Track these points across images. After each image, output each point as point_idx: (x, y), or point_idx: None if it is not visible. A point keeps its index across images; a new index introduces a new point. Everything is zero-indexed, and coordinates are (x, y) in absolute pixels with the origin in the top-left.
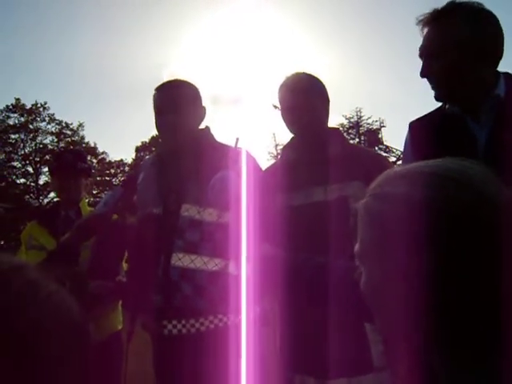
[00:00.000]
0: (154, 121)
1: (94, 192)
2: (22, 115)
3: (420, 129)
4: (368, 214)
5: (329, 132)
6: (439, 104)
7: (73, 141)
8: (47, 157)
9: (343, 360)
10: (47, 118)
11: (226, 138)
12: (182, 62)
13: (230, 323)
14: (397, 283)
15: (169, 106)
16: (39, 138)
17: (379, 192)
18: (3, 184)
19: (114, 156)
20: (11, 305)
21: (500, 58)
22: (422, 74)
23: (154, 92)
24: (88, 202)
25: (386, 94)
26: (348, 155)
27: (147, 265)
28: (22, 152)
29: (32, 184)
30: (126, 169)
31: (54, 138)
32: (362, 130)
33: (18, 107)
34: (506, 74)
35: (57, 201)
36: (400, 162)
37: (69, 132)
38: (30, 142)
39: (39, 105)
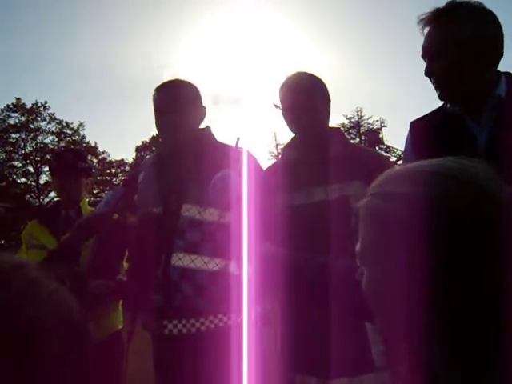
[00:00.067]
0: (154, 120)
1: (95, 191)
2: (22, 115)
3: (421, 128)
4: (369, 214)
5: (330, 132)
6: (440, 104)
7: (73, 140)
8: (48, 156)
9: (344, 360)
10: (48, 118)
11: (226, 138)
12: (182, 61)
13: (230, 323)
14: (398, 282)
15: (169, 105)
16: (40, 138)
17: (380, 191)
18: (4, 183)
19: (114, 155)
20: (12, 303)
21: (500, 57)
22: (426, 74)
23: (154, 92)
24: (88, 201)
25: (386, 93)
26: (349, 155)
27: (148, 264)
28: (23, 151)
29: (33, 183)
30: (127, 168)
31: (54, 137)
32: (362, 129)
33: (18, 107)
34: (507, 73)
35: (57, 200)
36: (401, 162)
37: (69, 131)
38: (30, 141)
39: (40, 104)
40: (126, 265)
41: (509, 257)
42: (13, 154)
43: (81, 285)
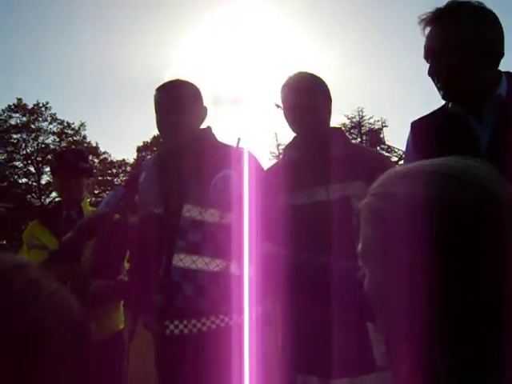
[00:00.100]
0: (155, 120)
1: (96, 192)
2: (23, 115)
3: (422, 128)
4: (370, 214)
5: (331, 131)
6: (441, 103)
7: (74, 140)
8: (49, 156)
9: (345, 360)
10: (49, 118)
11: (227, 138)
12: (182, 61)
13: (231, 323)
14: (399, 282)
15: (170, 105)
16: (41, 138)
17: (381, 192)
18: (5, 184)
19: (115, 156)
20: (13, 303)
21: (501, 56)
22: (429, 74)
23: (155, 92)
24: (90, 201)
25: (387, 93)
26: (350, 155)
27: (149, 265)
28: (24, 152)
29: (34, 184)
30: (128, 169)
31: (55, 137)
32: (363, 129)
33: (19, 107)
34: (508, 73)
35: (58, 200)
36: (402, 162)
37: (70, 132)
38: (31, 141)
39: (41, 104)
40: (127, 265)
41: (510, 258)
42: (14, 155)
43: (82, 285)
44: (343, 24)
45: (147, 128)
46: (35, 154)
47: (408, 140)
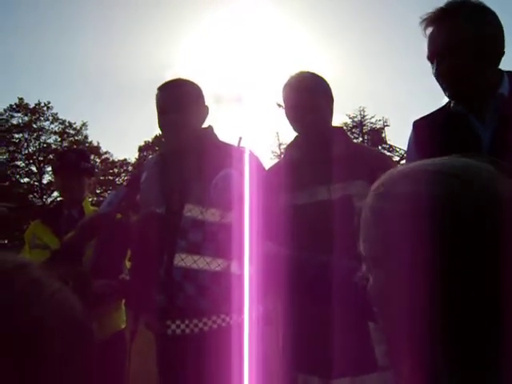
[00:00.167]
0: (157, 120)
1: (98, 191)
2: (25, 115)
3: (424, 128)
4: (371, 214)
5: (333, 131)
6: (443, 103)
7: (76, 140)
8: (51, 156)
9: (347, 359)
10: (50, 118)
11: (228, 138)
12: (184, 61)
13: (232, 323)
14: (401, 282)
15: (172, 105)
16: (43, 138)
17: (383, 191)
18: (7, 183)
19: (117, 155)
20: (14, 303)
21: (502, 55)
22: (434, 76)
23: (156, 91)
24: (91, 201)
25: (389, 93)
26: (352, 154)
27: (150, 264)
28: (26, 151)
29: (36, 183)
30: (129, 168)
31: (57, 137)
32: (365, 129)
33: (21, 107)
34: (510, 72)
35: (60, 200)
36: (403, 161)
37: (72, 131)
38: (33, 141)
39: (42, 104)
40: (128, 264)
41: None
42: (16, 154)
43: (84, 284)
44: (345, 23)
45: (149, 127)
46: (37, 154)
47: (410, 139)
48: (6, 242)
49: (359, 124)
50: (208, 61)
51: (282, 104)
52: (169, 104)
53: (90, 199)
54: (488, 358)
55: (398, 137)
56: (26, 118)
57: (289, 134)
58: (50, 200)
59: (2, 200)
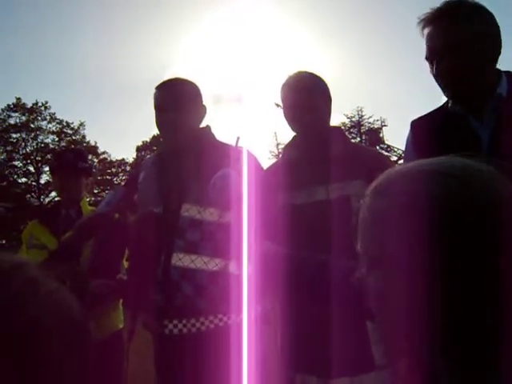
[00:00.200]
0: (154, 119)
1: (95, 191)
2: (23, 114)
3: (422, 128)
4: (369, 213)
5: (331, 131)
6: (441, 103)
7: (74, 140)
8: (48, 156)
9: (345, 359)
10: (48, 117)
11: (226, 137)
12: (183, 61)
13: (230, 323)
14: (399, 282)
15: (169, 104)
16: (40, 138)
17: (380, 191)
18: (4, 183)
19: (115, 155)
20: (11, 303)
21: (499, 54)
22: (433, 76)
23: (154, 90)
24: (89, 201)
25: (387, 93)
26: (350, 154)
27: (148, 264)
28: (24, 151)
29: (33, 183)
30: (127, 168)
31: (55, 137)
32: (363, 129)
33: (18, 106)
34: (508, 72)
35: (58, 200)
36: (401, 161)
37: (70, 131)
38: (31, 141)
39: (40, 104)
40: (125, 263)
41: (511, 256)
42: (13, 154)
43: (81, 284)
44: (343, 23)
45: (147, 127)
46: (34, 154)
47: (408, 139)
48: (3, 242)
49: (357, 124)
50: (208, 61)
51: (280, 104)
52: (167, 103)
53: (88, 199)
54: (488, 358)
55: (396, 137)
56: (24, 118)
57: (287, 134)
58: (47, 200)
59: None
